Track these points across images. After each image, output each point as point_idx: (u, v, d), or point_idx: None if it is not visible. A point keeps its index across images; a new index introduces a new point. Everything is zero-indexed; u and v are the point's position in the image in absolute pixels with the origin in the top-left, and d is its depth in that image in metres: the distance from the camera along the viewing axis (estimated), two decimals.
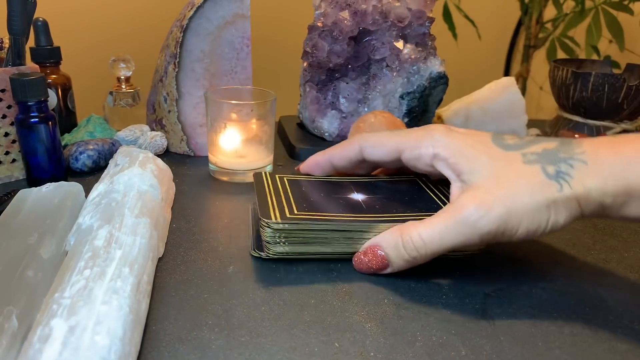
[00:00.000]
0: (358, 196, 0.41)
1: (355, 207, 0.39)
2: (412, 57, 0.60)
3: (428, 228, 0.34)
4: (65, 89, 0.63)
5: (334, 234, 0.37)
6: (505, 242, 0.34)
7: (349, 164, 0.42)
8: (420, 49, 0.61)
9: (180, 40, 0.56)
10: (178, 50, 0.56)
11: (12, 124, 0.51)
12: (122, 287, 0.29)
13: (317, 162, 0.44)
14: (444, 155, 0.36)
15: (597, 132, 0.69)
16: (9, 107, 0.50)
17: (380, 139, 0.40)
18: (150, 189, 0.42)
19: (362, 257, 0.37)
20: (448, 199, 0.38)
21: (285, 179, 0.43)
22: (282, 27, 1.09)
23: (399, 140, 0.39)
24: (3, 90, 0.49)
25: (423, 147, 0.37)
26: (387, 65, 0.61)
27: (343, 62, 0.62)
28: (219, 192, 0.52)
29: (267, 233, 0.37)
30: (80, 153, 0.54)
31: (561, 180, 0.32)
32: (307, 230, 0.37)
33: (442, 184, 0.43)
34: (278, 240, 0.37)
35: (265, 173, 0.44)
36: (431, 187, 0.43)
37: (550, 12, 1.21)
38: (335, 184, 0.43)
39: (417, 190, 0.42)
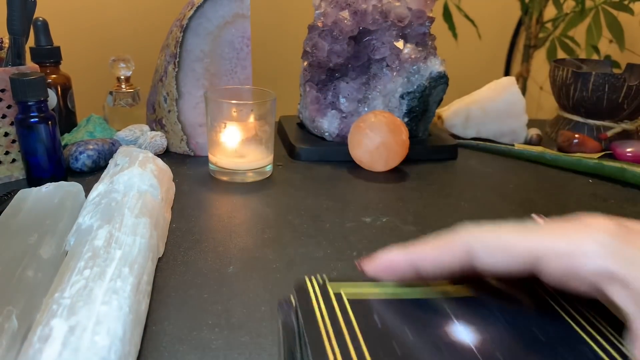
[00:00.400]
0: (464, 333, 0.24)
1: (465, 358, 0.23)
2: (412, 56, 0.60)
3: None
4: (65, 88, 0.63)
5: None
6: None
7: (446, 272, 0.26)
8: (420, 48, 0.61)
9: (180, 40, 0.56)
10: (178, 50, 0.56)
11: (12, 123, 0.51)
12: (122, 287, 0.29)
13: (393, 266, 0.28)
14: (626, 277, 0.21)
15: (597, 131, 0.69)
16: (8, 107, 0.50)
17: (502, 239, 0.25)
18: (150, 189, 0.41)
19: None
20: (614, 346, 0.23)
21: (344, 296, 0.26)
22: (282, 27, 1.09)
23: (536, 241, 0.24)
24: (3, 90, 0.49)
25: (581, 256, 0.22)
26: (387, 65, 0.61)
27: (343, 61, 0.62)
28: (219, 192, 0.52)
29: None
30: (80, 153, 0.54)
31: None
32: None
33: (582, 304, 0.26)
34: None
35: (312, 282, 0.27)
36: (568, 309, 0.26)
37: (550, 12, 1.21)
38: (422, 304, 0.26)
39: (550, 317, 0.26)
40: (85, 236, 0.34)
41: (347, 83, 0.63)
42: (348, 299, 0.26)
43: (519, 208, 0.51)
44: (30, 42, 0.57)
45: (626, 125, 0.68)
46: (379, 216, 0.48)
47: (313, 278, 0.28)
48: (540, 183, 0.58)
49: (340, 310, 0.25)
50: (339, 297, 0.26)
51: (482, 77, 0.87)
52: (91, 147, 0.55)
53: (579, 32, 1.15)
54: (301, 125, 0.69)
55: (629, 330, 0.22)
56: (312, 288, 0.27)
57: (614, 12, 1.07)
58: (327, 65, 0.62)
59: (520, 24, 1.36)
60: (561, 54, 1.20)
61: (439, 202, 0.52)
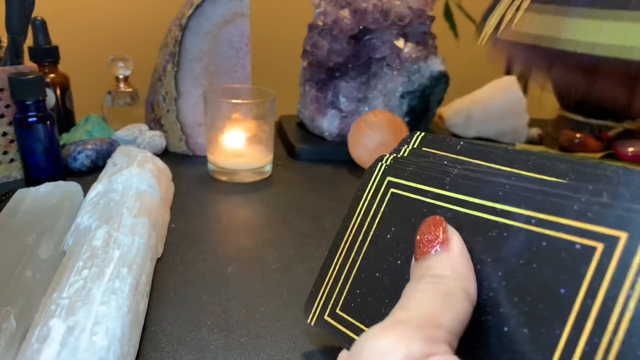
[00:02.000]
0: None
1: None
2: (413, 56, 0.60)
3: None
4: (64, 88, 0.62)
5: None
6: None
7: None
8: (421, 47, 0.61)
9: (179, 39, 0.56)
10: (177, 49, 0.56)
11: (10, 123, 0.51)
12: (120, 287, 0.29)
13: None
14: None
15: (599, 131, 0.69)
16: (7, 106, 0.50)
17: None
18: (148, 189, 0.41)
19: None
20: None
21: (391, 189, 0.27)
22: (281, 26, 1.09)
23: None
24: (1, 90, 0.49)
25: None
26: (388, 64, 0.61)
27: (343, 61, 0.61)
28: (218, 192, 0.52)
29: None
30: (79, 153, 0.54)
31: None
32: None
33: None
34: None
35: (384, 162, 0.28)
36: None
37: None
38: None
39: None
40: (83, 236, 0.34)
41: (347, 82, 0.63)
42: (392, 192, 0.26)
43: None
44: (29, 41, 0.56)
45: (628, 125, 0.68)
46: None
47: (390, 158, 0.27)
48: None
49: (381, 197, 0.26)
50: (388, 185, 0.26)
51: (483, 76, 0.86)
52: (90, 146, 0.54)
53: None
54: (301, 125, 0.69)
55: None
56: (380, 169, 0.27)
57: None
58: (327, 64, 0.61)
59: None
60: None
61: None
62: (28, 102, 0.47)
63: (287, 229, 0.44)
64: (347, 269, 0.26)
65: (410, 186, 0.25)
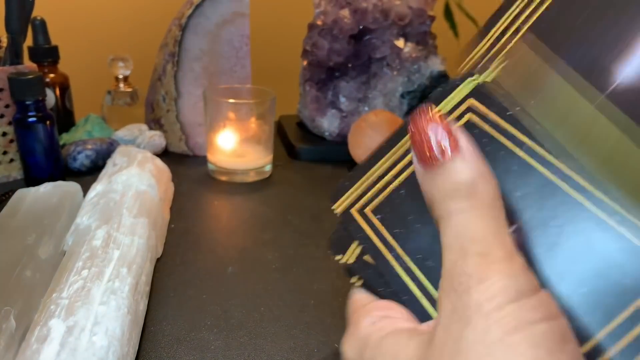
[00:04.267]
0: None
1: None
2: (413, 55, 0.60)
3: None
4: (63, 88, 0.62)
5: None
6: None
7: None
8: (421, 47, 0.61)
9: (179, 38, 0.56)
10: (177, 49, 0.56)
11: (10, 123, 0.51)
12: (120, 287, 0.29)
13: None
14: None
15: None
16: (7, 106, 0.50)
17: None
18: (148, 189, 0.41)
19: None
20: None
21: None
22: (281, 26, 1.09)
23: None
24: (1, 90, 0.49)
25: None
26: (388, 64, 0.61)
27: (343, 60, 0.61)
28: (218, 192, 0.52)
29: None
30: (79, 153, 0.54)
31: None
32: None
33: None
34: None
35: None
36: None
37: None
38: None
39: None
40: (83, 236, 0.34)
41: (347, 82, 0.62)
42: None
43: None
44: (28, 41, 0.56)
45: None
46: None
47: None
48: None
49: None
50: None
51: None
52: (89, 146, 0.54)
53: None
54: (301, 125, 0.69)
55: None
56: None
57: None
58: (327, 64, 0.61)
59: None
60: None
61: None
62: (28, 102, 0.47)
63: (287, 229, 0.44)
64: (392, 177, 0.24)
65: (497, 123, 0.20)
